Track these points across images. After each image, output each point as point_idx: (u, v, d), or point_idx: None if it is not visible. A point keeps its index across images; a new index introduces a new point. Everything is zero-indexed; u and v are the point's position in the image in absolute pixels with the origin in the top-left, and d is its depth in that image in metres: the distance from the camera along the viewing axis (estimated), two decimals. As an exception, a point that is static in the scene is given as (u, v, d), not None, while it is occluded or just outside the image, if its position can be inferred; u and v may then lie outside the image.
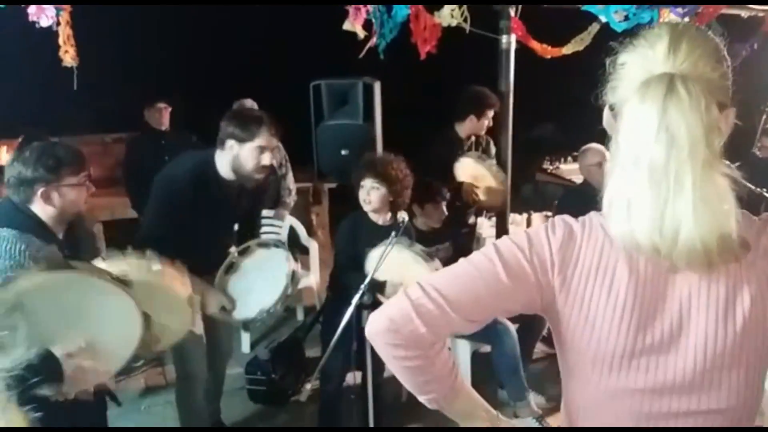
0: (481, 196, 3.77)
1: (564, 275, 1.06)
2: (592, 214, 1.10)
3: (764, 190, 3.31)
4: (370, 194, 2.86)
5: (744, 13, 3.95)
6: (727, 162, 0.97)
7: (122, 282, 1.83)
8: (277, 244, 2.66)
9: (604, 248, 1.05)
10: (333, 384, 3.02)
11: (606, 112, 1.11)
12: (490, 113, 3.83)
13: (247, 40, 6.21)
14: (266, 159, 2.56)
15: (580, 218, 1.10)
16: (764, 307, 0.99)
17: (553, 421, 3.26)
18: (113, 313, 1.81)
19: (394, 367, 1.12)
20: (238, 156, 2.54)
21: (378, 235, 2.82)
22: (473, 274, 1.08)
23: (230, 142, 2.54)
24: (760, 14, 3.90)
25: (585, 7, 2.41)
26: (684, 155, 0.95)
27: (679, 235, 0.95)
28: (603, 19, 2.44)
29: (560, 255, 1.06)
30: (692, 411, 1.04)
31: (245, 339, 4.23)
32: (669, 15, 3.19)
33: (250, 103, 4.46)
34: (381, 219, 2.93)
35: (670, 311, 1.02)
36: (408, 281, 2.55)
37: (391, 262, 2.44)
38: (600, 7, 2.30)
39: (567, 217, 1.11)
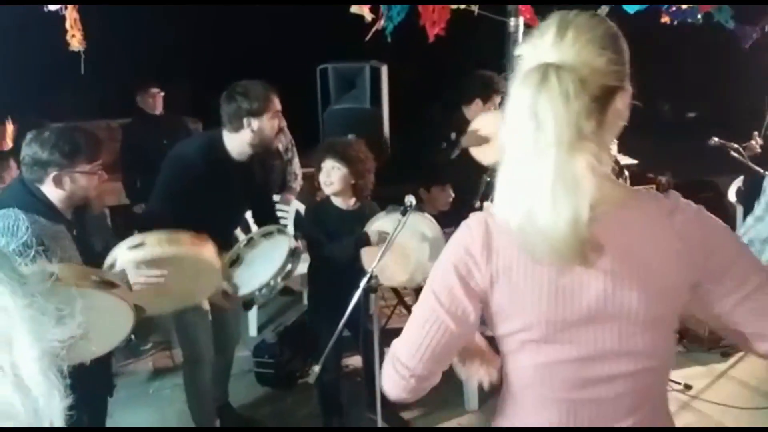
0: (493, 156, 3.65)
1: (491, 270, 1.14)
2: None
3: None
4: (331, 175, 2.81)
5: (755, -5, 3.91)
6: (616, 151, 1.00)
7: (109, 283, 1.84)
8: (280, 229, 2.66)
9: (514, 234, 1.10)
10: (332, 368, 3.01)
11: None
12: (497, 98, 3.79)
13: (254, 23, 6.17)
14: (280, 122, 2.63)
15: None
16: (671, 278, 1.09)
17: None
18: (98, 314, 1.83)
19: None
20: (260, 129, 2.57)
21: (344, 221, 2.81)
22: (432, 340, 1.18)
23: (249, 119, 2.56)
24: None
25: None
26: (549, 140, 1.00)
27: (538, 221, 1.02)
28: None
29: (484, 254, 1.14)
30: (624, 372, 1.13)
31: (253, 322, 4.26)
32: None
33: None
34: (345, 204, 2.90)
35: (588, 285, 1.09)
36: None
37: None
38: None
39: (479, 214, 1.19)
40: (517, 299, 1.13)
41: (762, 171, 3.59)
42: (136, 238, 2.18)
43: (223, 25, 6.23)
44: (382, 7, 3.14)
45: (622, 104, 1.09)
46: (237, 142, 2.61)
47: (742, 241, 1.16)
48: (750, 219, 2.27)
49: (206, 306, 2.75)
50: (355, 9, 3.17)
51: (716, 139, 3.66)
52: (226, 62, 6.07)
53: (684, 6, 3.54)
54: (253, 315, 4.26)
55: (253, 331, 4.25)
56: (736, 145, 3.74)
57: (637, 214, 1.10)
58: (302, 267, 4.48)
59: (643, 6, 2.29)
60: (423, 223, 2.70)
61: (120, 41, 5.54)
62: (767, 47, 4.31)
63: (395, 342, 1.24)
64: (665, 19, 3.76)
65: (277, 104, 2.61)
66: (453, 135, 3.76)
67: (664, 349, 1.16)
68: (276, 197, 4.54)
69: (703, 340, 3.78)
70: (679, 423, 3.05)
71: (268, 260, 2.62)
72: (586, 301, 1.10)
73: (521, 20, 3.77)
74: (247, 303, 2.70)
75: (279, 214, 4.60)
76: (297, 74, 4.52)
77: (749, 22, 4.12)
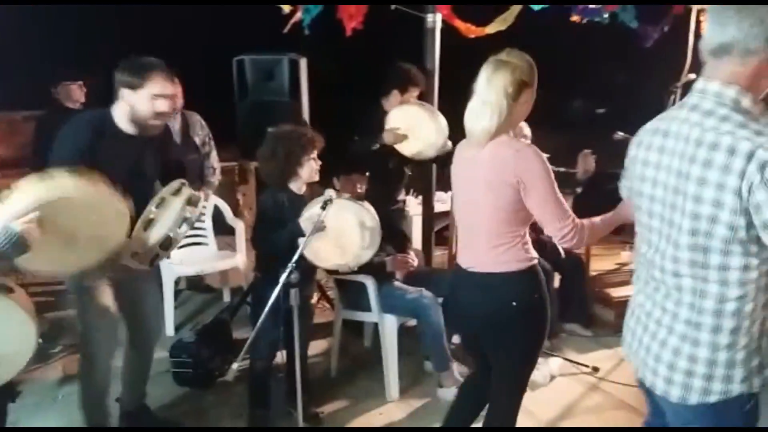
0: (418, 148, 3.71)
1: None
2: None
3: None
4: (314, 166, 2.91)
5: (655, -3, 4.15)
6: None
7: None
8: (184, 183, 2.59)
9: None
10: (263, 362, 3.02)
11: None
12: (414, 90, 3.83)
13: (171, 13, 5.95)
14: (161, 106, 2.53)
15: None
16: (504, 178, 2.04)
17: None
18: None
19: None
20: (133, 105, 2.51)
21: (300, 204, 2.85)
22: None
23: (124, 91, 2.51)
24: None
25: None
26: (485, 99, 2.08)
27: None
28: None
29: None
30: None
31: (170, 322, 4.14)
32: None
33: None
34: (301, 189, 2.96)
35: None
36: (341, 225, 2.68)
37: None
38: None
39: None
40: None
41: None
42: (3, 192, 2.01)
43: (141, 15, 5.98)
44: (300, -1, 3.12)
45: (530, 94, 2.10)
46: (118, 114, 2.56)
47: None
48: None
49: (112, 307, 2.65)
50: (272, -1, 3.12)
51: (621, 133, 3.85)
52: (144, 53, 5.82)
53: (591, 5, 3.70)
54: (170, 314, 4.14)
55: (170, 330, 4.13)
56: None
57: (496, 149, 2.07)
58: (222, 263, 4.45)
59: (547, 5, 2.38)
60: (364, 214, 2.76)
61: (32, 32, 5.22)
62: (667, 46, 4.59)
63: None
64: (575, 18, 3.92)
65: (160, 86, 2.52)
66: (372, 128, 3.80)
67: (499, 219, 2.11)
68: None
69: (611, 326, 4.01)
70: (588, 403, 3.23)
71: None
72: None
73: (439, 16, 3.85)
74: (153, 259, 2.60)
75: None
76: (213, 66, 4.41)
77: (651, 22, 4.37)
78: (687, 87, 3.94)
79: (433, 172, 4.29)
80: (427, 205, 4.42)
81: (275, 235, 2.77)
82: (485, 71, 2.09)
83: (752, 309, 1.46)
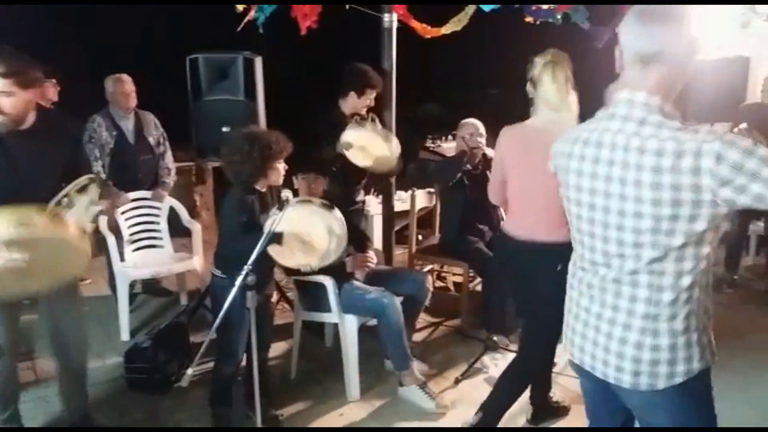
0: (370, 163, 3.75)
1: None
2: None
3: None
4: (282, 170, 2.90)
5: (607, -3, 4.23)
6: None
7: None
8: (92, 178, 2.48)
9: None
10: (230, 367, 2.98)
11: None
12: (371, 92, 3.85)
13: (122, 12, 5.82)
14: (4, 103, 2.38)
15: None
16: None
17: (434, 387, 3.41)
18: None
19: None
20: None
21: (263, 202, 2.85)
22: None
23: None
24: (621, -1, 4.19)
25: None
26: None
27: None
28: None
29: None
30: None
31: (125, 326, 4.04)
32: None
33: (126, 78, 4.21)
34: (264, 187, 2.94)
35: None
36: (309, 230, 2.72)
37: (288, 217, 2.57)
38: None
39: None
40: None
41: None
42: None
43: (90, 13, 5.83)
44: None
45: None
46: None
47: None
48: None
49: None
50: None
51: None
52: (93, 52, 5.68)
53: (544, 6, 3.76)
54: (125, 318, 4.05)
55: (125, 335, 4.03)
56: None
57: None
58: (178, 266, 4.37)
59: (497, 6, 2.41)
60: (334, 221, 2.78)
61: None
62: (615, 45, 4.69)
63: None
64: (529, 19, 3.97)
65: (29, 82, 2.40)
66: (332, 130, 3.80)
67: None
68: (147, 194, 4.36)
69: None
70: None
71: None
72: None
73: (395, 16, 3.85)
74: None
75: (151, 211, 4.41)
76: (168, 65, 4.32)
77: (602, 23, 4.46)
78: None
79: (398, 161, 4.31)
80: (387, 204, 4.42)
81: (250, 237, 2.73)
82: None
83: (699, 293, 1.58)
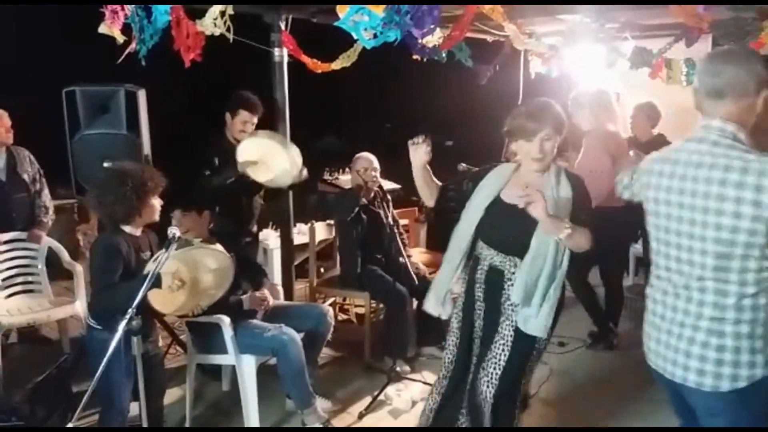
0: (271, 177, 3.65)
1: None
2: None
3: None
4: (157, 206, 2.80)
5: (489, 38, 4.47)
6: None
7: None
8: None
9: None
10: (117, 418, 2.77)
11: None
12: (244, 113, 3.80)
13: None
14: None
15: None
16: None
17: (339, 423, 3.35)
18: None
19: None
20: None
21: (139, 246, 2.75)
22: None
23: None
24: (502, 39, 4.44)
25: (338, 23, 2.52)
26: None
27: None
28: (354, 36, 2.57)
29: None
30: None
31: (-4, 381, 3.69)
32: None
33: (2, 113, 3.93)
34: (137, 231, 2.80)
35: None
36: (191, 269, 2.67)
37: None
38: (351, 24, 2.42)
39: None
40: None
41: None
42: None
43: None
44: (134, 29, 2.97)
45: None
46: None
47: None
48: None
49: None
50: (104, 29, 2.94)
51: (464, 164, 4.05)
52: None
53: (429, 45, 3.89)
54: (-5, 372, 3.69)
55: (-4, 391, 3.67)
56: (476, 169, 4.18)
57: None
58: (59, 311, 4.05)
59: (380, 42, 2.48)
60: (207, 256, 2.73)
61: None
62: (500, 82, 4.97)
63: None
64: (415, 57, 4.08)
65: None
66: (216, 160, 3.71)
67: None
68: (22, 234, 4.05)
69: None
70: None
71: None
72: None
73: (285, 51, 3.86)
74: None
75: (26, 253, 4.10)
76: (44, 98, 4.07)
77: (484, 61, 4.70)
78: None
79: (290, 204, 4.25)
80: (286, 237, 4.36)
81: (125, 286, 2.57)
82: None
83: (765, 302, 1.75)
